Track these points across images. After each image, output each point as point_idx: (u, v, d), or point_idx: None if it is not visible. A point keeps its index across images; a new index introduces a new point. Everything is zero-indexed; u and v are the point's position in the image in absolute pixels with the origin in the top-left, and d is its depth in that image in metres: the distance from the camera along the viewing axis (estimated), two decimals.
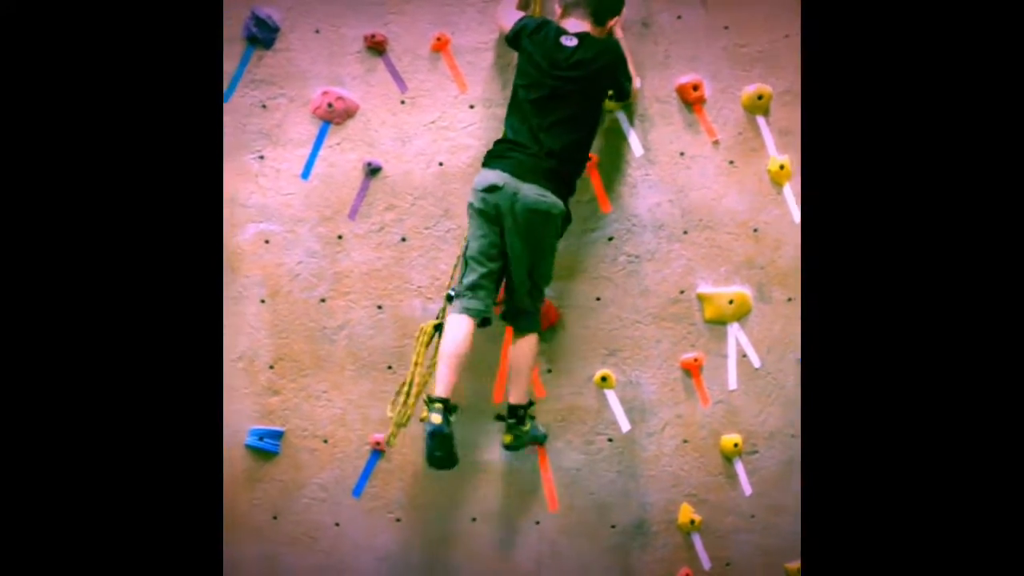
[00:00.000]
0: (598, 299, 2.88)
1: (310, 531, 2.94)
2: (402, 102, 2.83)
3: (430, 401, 2.47)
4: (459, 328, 2.49)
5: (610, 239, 2.87)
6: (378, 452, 2.90)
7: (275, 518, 2.93)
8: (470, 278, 2.53)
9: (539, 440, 2.85)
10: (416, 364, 2.61)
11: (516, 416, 2.65)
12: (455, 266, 2.69)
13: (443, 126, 2.82)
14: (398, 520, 2.93)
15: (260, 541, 2.93)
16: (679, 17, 2.83)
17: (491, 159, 2.57)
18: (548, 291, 2.83)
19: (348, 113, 2.84)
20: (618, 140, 2.84)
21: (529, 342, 2.63)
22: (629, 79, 2.64)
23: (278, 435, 2.91)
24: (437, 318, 2.65)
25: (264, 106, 2.85)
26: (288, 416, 2.91)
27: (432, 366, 2.59)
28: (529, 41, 2.53)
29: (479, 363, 2.79)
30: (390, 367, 2.87)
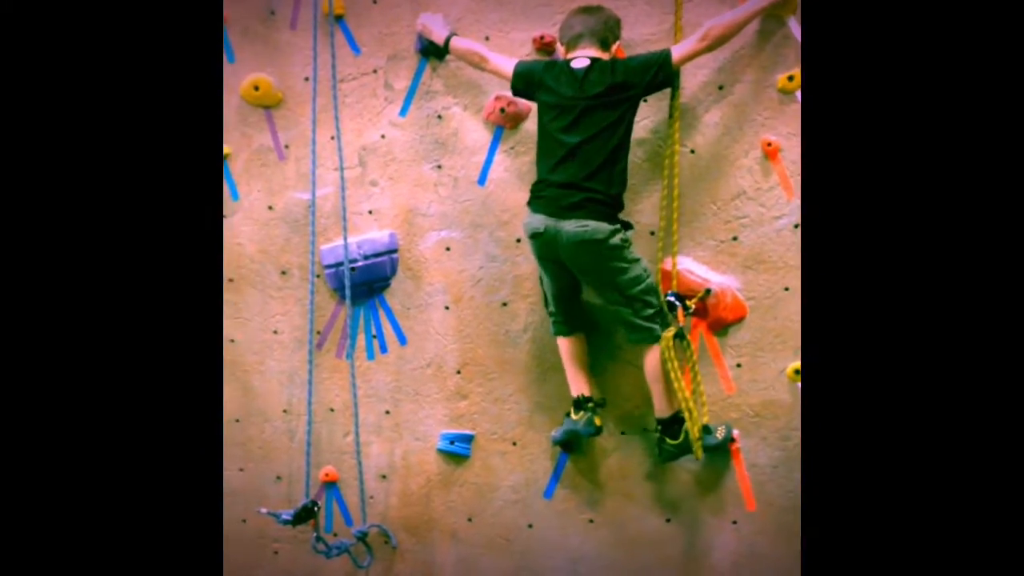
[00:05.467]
0: (786, 289, 2.76)
1: (504, 533, 2.97)
2: None
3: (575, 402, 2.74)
4: (561, 344, 2.76)
5: (796, 226, 2.74)
6: (566, 454, 2.89)
7: (470, 520, 2.98)
8: (549, 305, 2.74)
9: (715, 447, 2.71)
10: (673, 375, 2.60)
11: (665, 427, 2.66)
12: None
13: None
14: (591, 521, 2.91)
15: (457, 544, 2.98)
16: None
17: (531, 200, 2.64)
18: (734, 282, 2.75)
19: (520, 117, 2.86)
20: (800, 124, 2.72)
21: (650, 355, 2.62)
22: (656, 62, 2.54)
23: (469, 439, 2.96)
24: (672, 325, 2.64)
25: (440, 116, 2.91)
26: (477, 420, 2.95)
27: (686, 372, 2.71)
28: (547, 77, 2.60)
29: None
30: None
